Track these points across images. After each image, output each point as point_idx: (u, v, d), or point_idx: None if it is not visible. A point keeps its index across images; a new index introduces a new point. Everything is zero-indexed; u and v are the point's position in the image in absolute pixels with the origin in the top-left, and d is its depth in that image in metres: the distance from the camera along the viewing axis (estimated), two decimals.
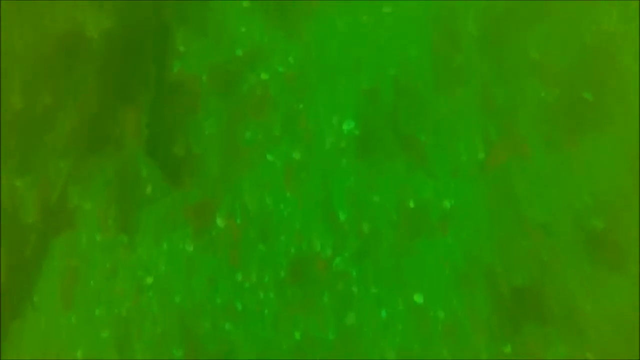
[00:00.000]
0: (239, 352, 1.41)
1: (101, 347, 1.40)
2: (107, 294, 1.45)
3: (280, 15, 1.79)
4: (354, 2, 1.81)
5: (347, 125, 1.66)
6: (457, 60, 1.76)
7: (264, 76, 1.68)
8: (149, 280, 1.47)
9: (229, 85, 1.68)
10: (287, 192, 1.57)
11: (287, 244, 1.53)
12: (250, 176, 1.58)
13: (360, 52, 1.76)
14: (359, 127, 1.66)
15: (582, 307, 1.47)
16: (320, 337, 1.43)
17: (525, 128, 1.73)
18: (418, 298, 1.48)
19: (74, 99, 1.62)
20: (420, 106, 1.71)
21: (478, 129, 1.71)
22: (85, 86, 1.63)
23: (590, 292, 1.50)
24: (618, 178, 1.65)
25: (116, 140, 1.59)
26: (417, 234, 1.56)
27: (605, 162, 1.67)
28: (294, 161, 1.59)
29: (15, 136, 1.59)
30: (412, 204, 1.56)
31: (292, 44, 1.74)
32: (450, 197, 1.60)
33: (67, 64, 1.66)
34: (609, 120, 1.73)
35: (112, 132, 1.60)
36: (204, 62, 1.70)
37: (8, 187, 1.55)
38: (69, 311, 1.43)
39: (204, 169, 1.57)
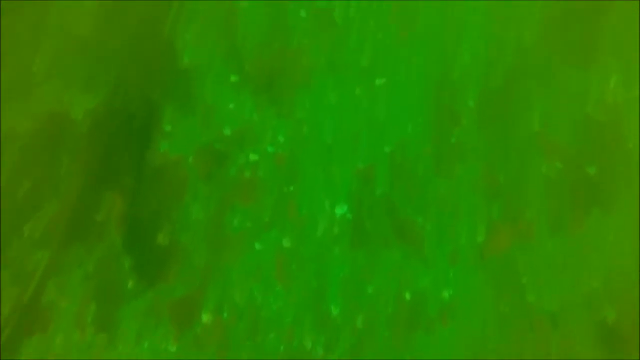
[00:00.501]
0: None
1: None
2: None
3: (270, 90, 1.74)
4: (345, 75, 1.76)
5: (340, 209, 1.59)
6: (456, 135, 1.70)
7: (252, 157, 1.62)
8: None
9: (217, 167, 1.62)
10: (277, 284, 1.49)
11: (277, 341, 1.44)
12: (238, 267, 1.51)
13: (354, 128, 1.70)
14: (353, 211, 1.59)
15: None
16: None
17: (528, 207, 1.65)
18: None
19: (55, 184, 1.56)
20: (417, 185, 1.64)
21: (479, 209, 1.64)
22: (67, 170, 1.58)
23: None
24: (628, 261, 1.57)
25: (98, 229, 1.52)
26: (415, 328, 1.47)
27: (613, 244, 1.58)
28: (284, 250, 1.52)
29: None
30: (408, 296, 1.48)
31: (282, 121, 1.68)
32: (450, 286, 1.52)
33: (49, 146, 1.61)
34: (614, 197, 1.65)
35: (93, 221, 1.53)
36: (191, 142, 1.64)
37: None
38: None
39: (189, 260, 1.50)
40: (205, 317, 1.46)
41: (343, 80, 1.78)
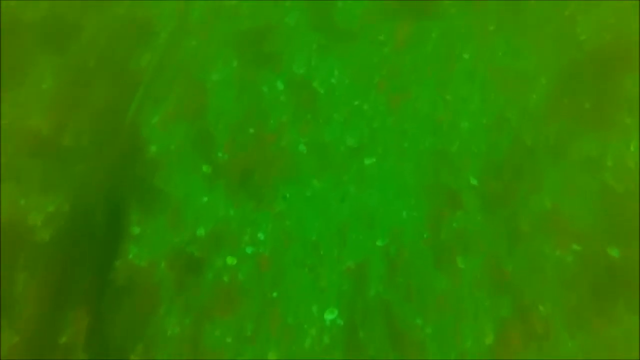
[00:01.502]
0: None
1: None
2: None
3: (247, 181, 1.59)
4: (330, 157, 1.60)
5: (330, 315, 1.44)
6: (456, 220, 1.53)
7: (230, 260, 1.47)
8: None
9: (191, 273, 1.47)
10: None
11: None
12: None
13: (342, 219, 1.54)
14: (344, 316, 1.44)
15: None
16: None
17: (542, 301, 1.48)
18: None
19: (10, 309, 1.43)
20: (415, 282, 1.48)
21: (485, 306, 1.47)
22: (24, 290, 1.45)
23: None
24: None
25: (62, 353, 1.39)
26: None
27: None
28: None
29: None
30: None
31: (262, 215, 1.53)
32: None
33: (3, 262, 1.48)
34: None
35: (56, 344, 1.40)
36: (161, 245, 1.50)
37: None
38: None
39: None
40: None
41: (328, 163, 1.62)
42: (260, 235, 1.56)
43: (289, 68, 1.73)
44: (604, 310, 1.48)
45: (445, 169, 1.62)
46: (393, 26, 1.79)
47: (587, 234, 1.58)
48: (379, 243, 1.54)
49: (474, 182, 1.59)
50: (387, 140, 1.64)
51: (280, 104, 1.68)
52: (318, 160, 1.62)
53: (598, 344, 1.44)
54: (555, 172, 1.61)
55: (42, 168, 1.59)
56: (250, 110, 1.68)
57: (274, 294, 1.50)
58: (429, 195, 1.60)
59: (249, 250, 1.53)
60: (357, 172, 1.61)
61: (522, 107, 1.67)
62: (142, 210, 1.59)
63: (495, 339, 1.47)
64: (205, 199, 1.60)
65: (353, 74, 1.72)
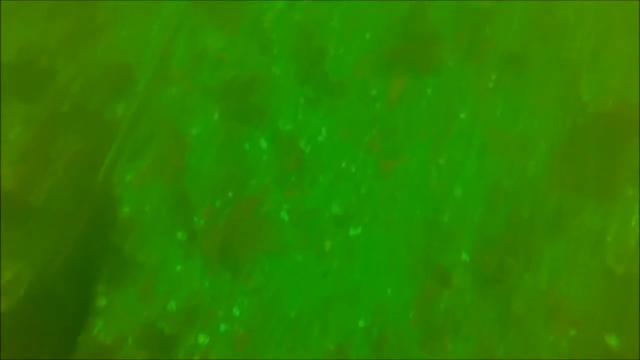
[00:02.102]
0: None
1: None
2: None
3: (224, 250, 1.49)
4: (313, 226, 1.50)
5: None
6: (445, 300, 1.44)
7: (202, 339, 1.38)
8: None
9: (161, 352, 1.38)
10: None
11: None
12: None
13: (325, 296, 1.45)
14: None
15: None
16: None
17: None
18: None
19: None
20: None
21: None
22: None
23: None
24: None
25: None
26: None
27: None
28: None
29: None
30: None
31: (238, 288, 1.45)
32: None
33: None
34: None
35: None
36: (130, 319, 1.41)
37: None
38: None
39: None
40: None
41: (311, 233, 1.53)
42: (236, 311, 1.47)
43: (274, 123, 1.63)
44: None
45: (435, 242, 1.53)
46: (386, 80, 1.70)
47: (584, 318, 1.49)
48: (361, 324, 1.45)
49: (465, 257, 1.50)
50: (375, 208, 1.55)
51: (263, 165, 1.59)
52: (300, 230, 1.53)
53: None
54: (553, 249, 1.52)
55: (2, 229, 1.51)
56: (231, 171, 1.59)
57: None
58: (417, 271, 1.51)
59: (222, 327, 1.44)
60: (341, 244, 1.52)
61: (520, 174, 1.58)
62: (110, 279, 1.50)
63: None
64: (179, 268, 1.51)
65: (342, 132, 1.63)
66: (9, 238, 1.49)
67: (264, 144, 1.62)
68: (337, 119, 1.66)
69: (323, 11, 1.80)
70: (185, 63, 1.74)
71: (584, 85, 1.73)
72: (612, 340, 1.45)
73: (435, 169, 1.59)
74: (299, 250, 1.51)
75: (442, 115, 1.67)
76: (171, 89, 1.71)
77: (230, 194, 1.55)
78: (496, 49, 1.76)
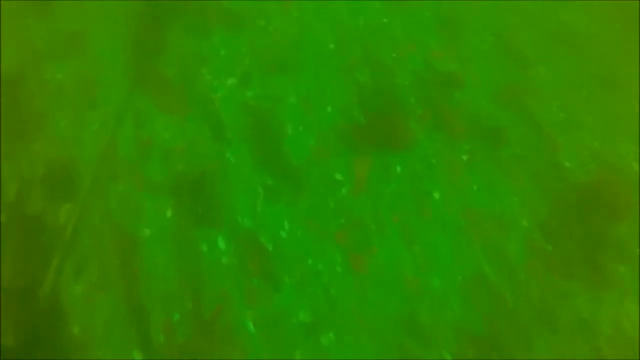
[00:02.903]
0: None
1: None
2: None
3: None
4: (283, 337, 1.39)
5: None
6: None
7: None
8: None
9: None
10: None
11: None
12: None
13: None
14: None
15: None
16: None
17: None
18: None
19: None
20: None
21: None
22: None
23: None
24: None
25: None
26: None
27: None
28: None
29: None
30: None
31: None
32: None
33: None
34: None
35: None
36: None
37: None
38: None
39: None
40: None
41: (279, 343, 1.41)
42: None
43: (231, 219, 1.51)
44: None
45: (414, 343, 1.43)
46: (351, 161, 1.58)
47: None
48: None
49: (447, 357, 1.40)
50: (347, 310, 1.44)
51: (223, 268, 1.47)
52: (268, 341, 1.42)
53: None
54: (542, 342, 1.42)
55: None
56: (188, 277, 1.47)
57: None
58: None
59: None
60: (313, 353, 1.41)
61: (501, 258, 1.48)
62: None
63: None
64: None
65: (306, 225, 1.51)
66: None
67: (222, 244, 1.50)
68: (299, 209, 1.54)
69: (278, 85, 1.69)
70: (131, 155, 1.61)
71: (563, 150, 1.64)
72: None
73: (409, 259, 1.49)
74: None
75: (414, 196, 1.56)
76: (117, 186, 1.58)
77: (189, 305, 1.44)
78: (468, 117, 1.66)
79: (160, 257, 1.53)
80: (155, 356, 1.43)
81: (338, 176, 1.59)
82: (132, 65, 1.67)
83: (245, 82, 1.68)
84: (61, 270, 1.53)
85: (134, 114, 1.63)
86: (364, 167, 1.59)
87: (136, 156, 1.61)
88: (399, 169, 1.59)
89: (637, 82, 1.69)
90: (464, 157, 1.61)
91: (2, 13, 1.73)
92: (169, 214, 1.58)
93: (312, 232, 1.54)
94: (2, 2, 1.63)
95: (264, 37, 1.76)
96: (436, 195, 1.57)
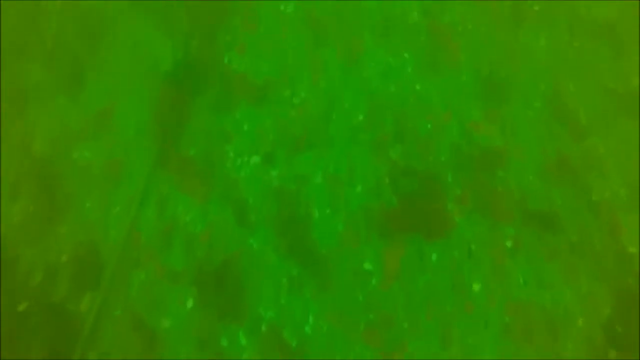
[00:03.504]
0: None
1: None
2: None
3: None
4: None
5: None
6: None
7: None
8: None
9: None
10: None
11: None
12: None
13: None
14: None
15: None
16: None
17: None
18: None
19: None
20: None
21: None
22: None
23: None
24: None
25: None
26: None
27: None
28: None
29: None
30: None
31: None
32: None
33: None
34: None
35: None
36: None
37: None
38: None
39: None
40: None
41: None
42: None
43: (254, 311, 1.43)
44: None
45: None
46: (382, 248, 1.47)
47: None
48: None
49: None
50: None
51: None
52: None
53: None
54: None
55: None
56: None
57: None
58: None
59: None
60: None
61: None
62: None
63: None
64: None
65: (333, 319, 1.41)
66: None
67: (243, 339, 1.42)
68: (326, 301, 1.44)
69: (304, 163, 1.61)
70: (153, 240, 1.57)
71: (626, 233, 1.45)
72: None
73: None
74: None
75: (452, 288, 1.43)
76: (139, 274, 1.55)
77: None
78: (513, 197, 1.51)
79: (181, 351, 1.48)
80: None
81: (367, 265, 1.48)
82: (156, 143, 1.65)
83: (269, 161, 1.62)
84: None
85: (155, 195, 1.60)
86: (396, 255, 1.47)
87: (158, 242, 1.57)
88: (434, 257, 1.46)
89: None
90: (509, 244, 1.46)
91: (32, 91, 1.77)
92: (189, 304, 1.53)
93: (339, 328, 1.43)
94: (33, 80, 1.68)
95: (289, 110, 1.69)
96: (476, 288, 1.42)
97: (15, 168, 1.68)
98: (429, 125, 1.62)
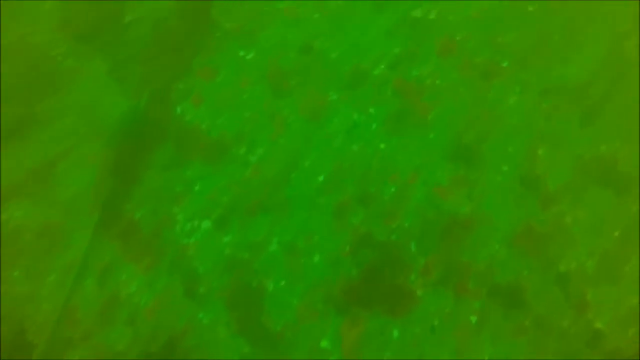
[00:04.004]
0: None
1: None
2: None
3: None
4: None
5: None
6: None
7: None
8: None
9: None
10: None
11: None
12: None
13: None
14: None
15: None
16: None
17: None
18: None
19: None
20: None
21: None
22: None
23: None
24: None
25: None
26: None
27: None
28: None
29: None
30: None
31: None
32: None
33: None
34: None
35: None
36: None
37: None
38: None
39: None
40: None
41: None
42: None
43: None
44: None
45: None
46: (340, 325, 1.39)
47: None
48: None
49: None
50: None
51: None
52: None
53: None
54: None
55: None
56: None
57: None
58: None
59: None
60: None
61: None
62: None
63: None
64: None
65: None
66: None
67: None
68: None
69: (258, 229, 1.51)
70: (92, 316, 1.44)
71: (594, 308, 1.41)
72: None
73: None
74: None
75: None
76: (74, 354, 1.42)
77: None
78: (478, 268, 1.45)
79: None
80: None
81: (325, 343, 1.39)
82: (98, 205, 1.52)
83: (221, 226, 1.51)
84: None
85: (96, 264, 1.47)
86: (356, 332, 1.39)
87: (97, 317, 1.43)
88: (396, 333, 1.39)
89: None
90: (473, 319, 1.40)
91: None
92: None
93: None
94: None
95: (244, 169, 1.58)
96: None
97: None
98: (393, 188, 1.54)
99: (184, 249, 1.50)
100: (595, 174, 1.57)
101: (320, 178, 1.57)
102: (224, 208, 1.54)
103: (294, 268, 1.47)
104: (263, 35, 1.75)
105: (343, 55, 1.71)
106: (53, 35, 1.67)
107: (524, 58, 1.68)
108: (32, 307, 1.45)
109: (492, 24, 1.75)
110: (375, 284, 1.45)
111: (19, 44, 1.67)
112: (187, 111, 1.67)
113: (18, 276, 1.49)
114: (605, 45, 1.65)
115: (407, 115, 1.64)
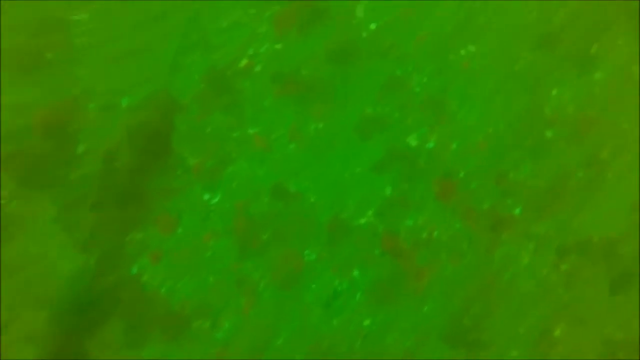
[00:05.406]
0: None
1: None
2: None
3: None
4: None
5: None
6: None
7: None
8: None
9: None
10: None
11: None
12: None
13: None
14: None
15: None
16: None
17: None
18: None
19: None
20: None
21: None
22: None
23: None
24: None
25: None
26: None
27: None
28: None
29: None
30: None
31: None
32: None
33: None
34: None
35: None
36: None
37: None
38: None
39: None
40: None
41: None
42: None
43: None
44: None
45: None
46: None
47: None
48: None
49: None
50: None
51: None
52: None
53: None
54: None
55: None
56: None
57: None
58: None
59: None
60: None
61: None
62: None
63: None
64: None
65: None
66: None
67: None
68: None
69: None
70: None
71: None
72: None
73: None
74: None
75: None
76: None
77: None
78: None
79: None
80: None
81: None
82: None
83: None
84: None
85: None
86: None
87: None
88: None
89: None
90: None
91: None
92: None
93: None
94: None
95: (210, 348, 1.40)
96: None
97: None
98: None
99: None
100: (628, 357, 1.33)
101: None
102: None
103: None
104: (230, 171, 1.52)
105: (322, 199, 1.47)
106: None
107: (540, 203, 1.41)
108: None
109: (501, 155, 1.47)
110: None
111: None
112: (144, 270, 1.48)
113: None
114: None
115: (397, 281, 1.42)
